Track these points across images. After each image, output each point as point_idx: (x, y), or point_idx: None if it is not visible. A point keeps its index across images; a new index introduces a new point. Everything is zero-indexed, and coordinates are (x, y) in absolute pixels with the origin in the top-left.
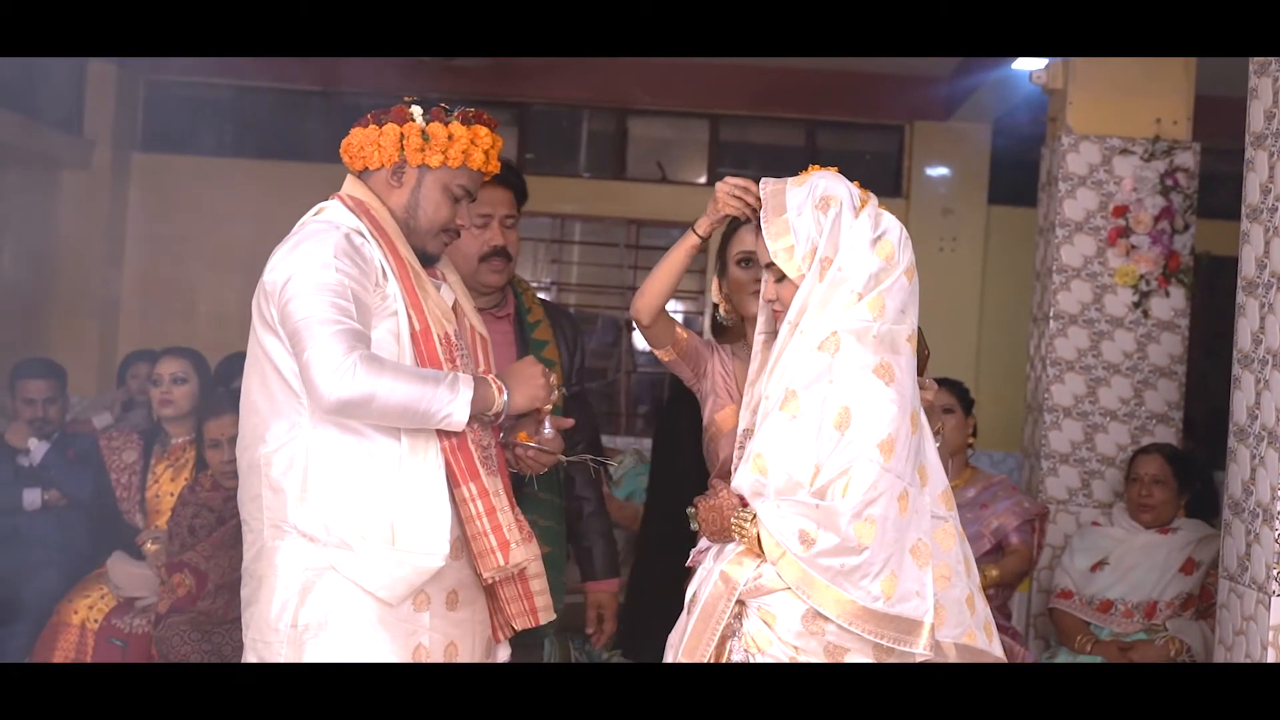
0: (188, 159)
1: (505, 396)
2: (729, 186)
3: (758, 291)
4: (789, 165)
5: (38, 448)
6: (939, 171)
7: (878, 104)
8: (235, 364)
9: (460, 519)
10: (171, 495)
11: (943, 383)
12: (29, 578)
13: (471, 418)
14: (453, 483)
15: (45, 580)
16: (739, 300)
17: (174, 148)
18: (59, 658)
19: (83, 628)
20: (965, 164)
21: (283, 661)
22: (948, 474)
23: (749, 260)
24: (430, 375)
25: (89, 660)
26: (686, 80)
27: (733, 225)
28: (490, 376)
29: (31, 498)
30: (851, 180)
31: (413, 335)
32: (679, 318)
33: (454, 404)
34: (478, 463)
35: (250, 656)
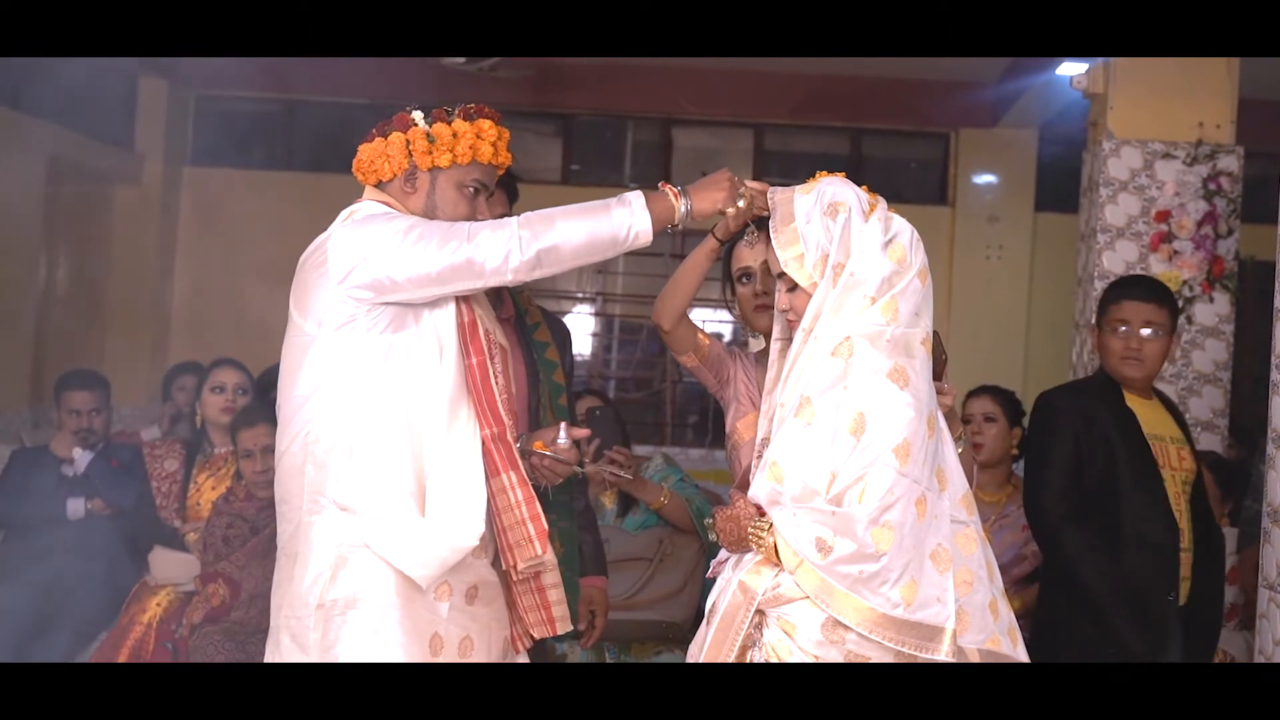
0: (238, 172)
1: (685, 202)
2: (745, 190)
3: (761, 305)
4: (834, 173)
5: (82, 457)
6: (985, 179)
7: (923, 111)
8: (275, 374)
9: (494, 511)
10: (213, 504)
11: (989, 390)
12: (72, 586)
13: (657, 230)
14: (490, 472)
15: (88, 589)
16: (746, 314)
17: (224, 161)
18: (124, 656)
19: (149, 625)
20: (1011, 171)
21: (312, 638)
22: (986, 486)
23: (749, 276)
24: (598, 203)
25: (148, 658)
26: (731, 89)
27: (731, 243)
28: (666, 186)
29: (75, 507)
30: (897, 188)
31: (459, 325)
32: (726, 329)
33: (633, 216)
34: (517, 455)
35: (283, 636)
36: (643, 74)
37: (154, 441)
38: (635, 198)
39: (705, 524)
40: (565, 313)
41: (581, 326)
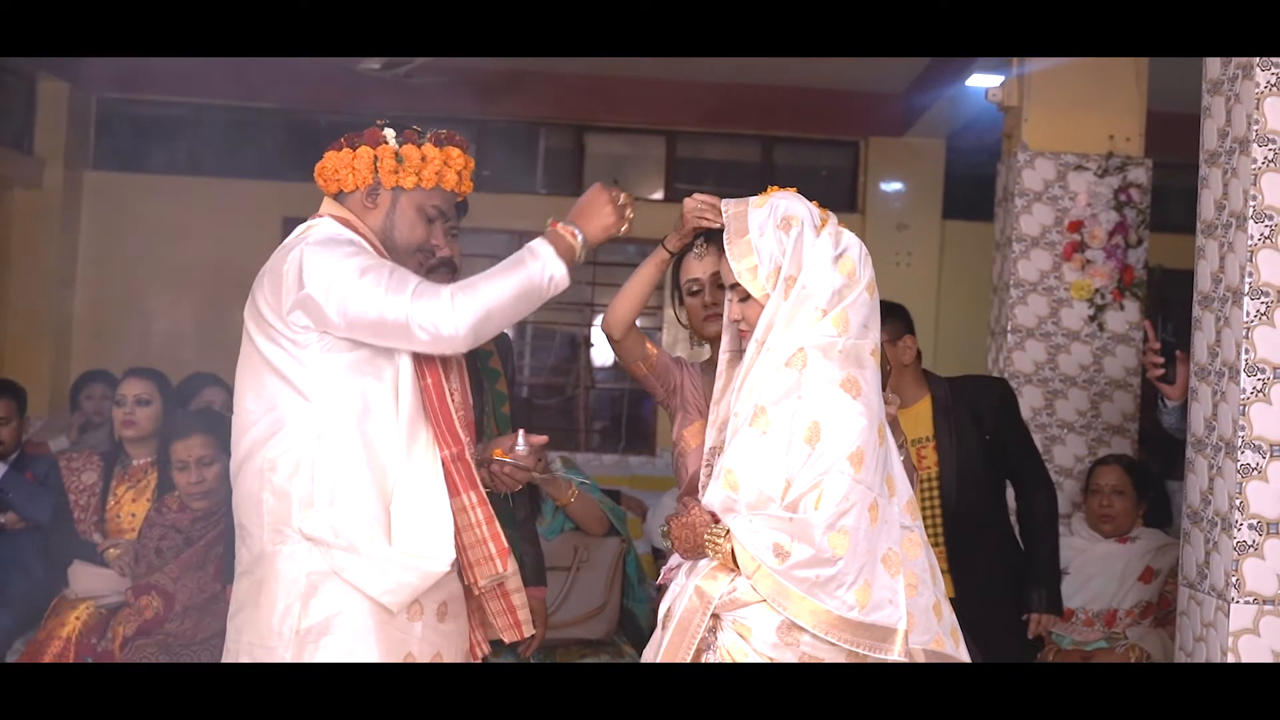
0: (140, 177)
1: (580, 237)
2: (696, 203)
3: (710, 316)
4: (745, 181)
5: None
6: (894, 187)
7: (833, 120)
8: (196, 384)
9: (455, 529)
10: (133, 516)
11: None
12: None
13: (569, 267)
14: (450, 492)
15: (4, 604)
16: (695, 324)
17: (126, 166)
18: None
19: (68, 639)
20: (920, 179)
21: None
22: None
23: (699, 287)
24: (511, 261)
25: None
26: (643, 97)
27: (680, 255)
28: (558, 225)
29: None
30: (807, 196)
31: None
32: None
33: (547, 265)
34: (475, 473)
35: (244, 661)
36: (555, 81)
37: (70, 454)
38: (540, 245)
39: (661, 531)
40: None
41: None
